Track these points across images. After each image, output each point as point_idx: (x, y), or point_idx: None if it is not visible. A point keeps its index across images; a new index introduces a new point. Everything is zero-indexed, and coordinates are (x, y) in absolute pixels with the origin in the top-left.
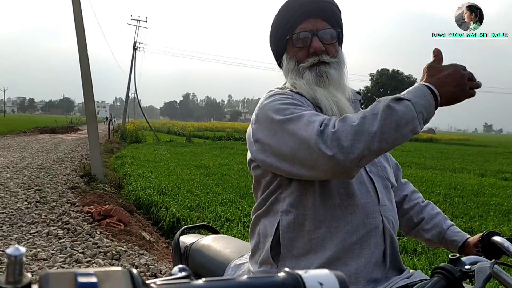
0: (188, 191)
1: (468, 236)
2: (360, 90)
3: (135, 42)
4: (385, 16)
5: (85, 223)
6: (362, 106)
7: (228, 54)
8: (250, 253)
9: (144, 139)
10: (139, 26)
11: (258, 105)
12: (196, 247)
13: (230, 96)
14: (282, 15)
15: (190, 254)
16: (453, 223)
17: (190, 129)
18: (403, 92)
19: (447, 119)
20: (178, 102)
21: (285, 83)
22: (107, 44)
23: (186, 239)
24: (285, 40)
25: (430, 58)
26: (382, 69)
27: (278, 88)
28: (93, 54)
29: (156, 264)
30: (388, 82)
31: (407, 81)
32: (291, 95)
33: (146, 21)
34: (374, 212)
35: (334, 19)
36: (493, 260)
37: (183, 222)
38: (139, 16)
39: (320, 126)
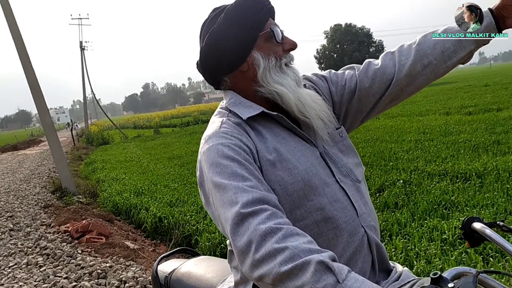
0: (165, 186)
1: (486, 9)
2: (318, 49)
3: (81, 42)
4: None
5: (64, 243)
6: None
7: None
8: (232, 277)
9: (111, 139)
10: (81, 24)
11: (201, 147)
12: (177, 276)
13: (189, 78)
14: (247, 10)
15: (171, 285)
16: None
17: (156, 120)
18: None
19: None
20: (139, 94)
21: (229, 100)
22: (53, 48)
23: (166, 267)
24: (257, 35)
25: (382, 3)
26: (335, 25)
27: (223, 121)
28: (41, 61)
29: (144, 275)
30: (342, 37)
31: (361, 33)
32: (234, 141)
33: (88, 18)
34: (356, 227)
35: None
36: (475, 271)
37: (165, 221)
38: (79, 14)
39: (245, 208)
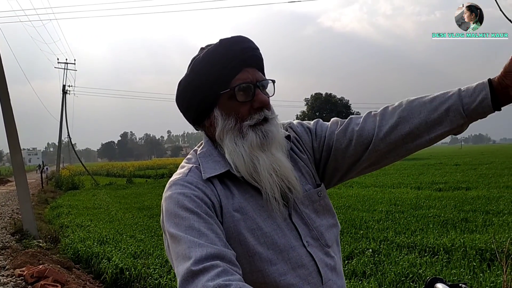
0: (131, 236)
1: (485, 80)
2: (297, 115)
3: (64, 86)
4: (309, 37)
5: None
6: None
7: (163, 90)
8: None
9: (82, 184)
10: (67, 69)
11: (165, 190)
12: None
13: (169, 131)
14: (212, 64)
15: None
16: (458, 88)
17: (130, 169)
18: None
19: None
20: (116, 142)
21: (201, 148)
22: (32, 89)
23: None
24: (219, 94)
25: (359, 77)
26: (316, 94)
27: (191, 169)
28: (19, 99)
29: None
30: (322, 105)
31: (340, 104)
32: (196, 193)
33: (74, 63)
34: None
35: (263, 68)
36: None
37: (127, 273)
38: (66, 59)
39: (195, 266)
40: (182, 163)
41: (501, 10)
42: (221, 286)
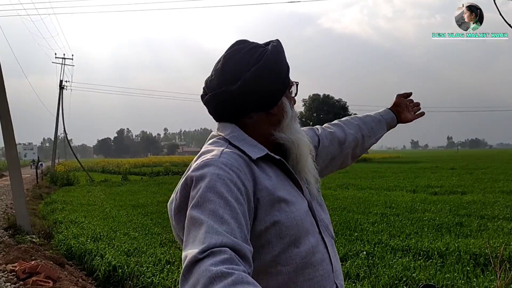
0: (125, 234)
1: (389, 108)
2: None
3: (61, 81)
4: (307, 38)
5: (8, 283)
6: None
7: (160, 87)
8: None
9: (77, 180)
10: (64, 64)
11: (194, 171)
12: None
13: (166, 129)
14: (283, 58)
15: None
16: (374, 112)
17: (126, 166)
18: None
19: None
20: (112, 139)
21: (230, 133)
22: (29, 83)
23: None
24: (289, 84)
25: (357, 79)
26: (314, 95)
27: (224, 151)
28: (15, 93)
29: None
30: (320, 106)
31: (338, 105)
32: (230, 176)
33: (72, 59)
34: (330, 282)
35: None
36: None
37: (120, 270)
38: (64, 54)
39: (202, 253)
40: (209, 148)
41: (501, 15)
42: (223, 273)
